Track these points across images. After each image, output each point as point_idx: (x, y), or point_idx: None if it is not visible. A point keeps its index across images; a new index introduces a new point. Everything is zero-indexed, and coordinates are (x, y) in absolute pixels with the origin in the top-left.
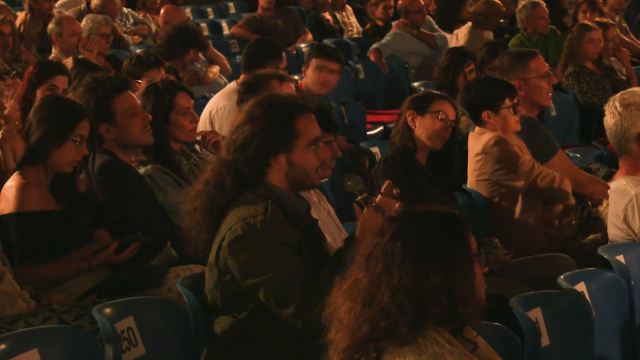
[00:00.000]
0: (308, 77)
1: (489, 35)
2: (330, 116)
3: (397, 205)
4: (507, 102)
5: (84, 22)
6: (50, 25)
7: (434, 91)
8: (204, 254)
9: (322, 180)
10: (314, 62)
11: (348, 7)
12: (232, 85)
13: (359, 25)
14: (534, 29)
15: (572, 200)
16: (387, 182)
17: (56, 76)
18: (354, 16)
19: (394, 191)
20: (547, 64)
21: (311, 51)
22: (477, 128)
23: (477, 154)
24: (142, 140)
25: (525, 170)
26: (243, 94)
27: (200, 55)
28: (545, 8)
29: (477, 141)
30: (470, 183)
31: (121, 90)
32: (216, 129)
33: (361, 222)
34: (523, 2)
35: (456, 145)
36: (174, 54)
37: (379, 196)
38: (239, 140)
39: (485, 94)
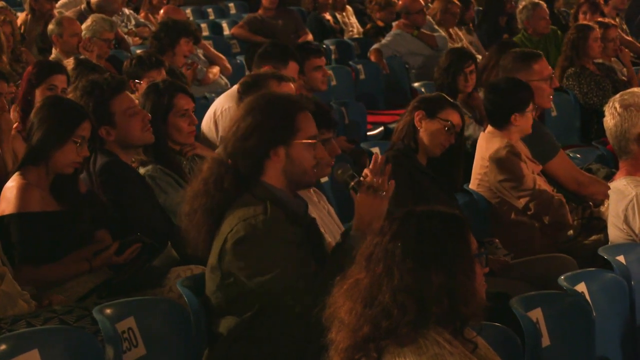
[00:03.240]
0: (311, 79)
1: (457, 32)
2: (328, 114)
3: (387, 181)
4: (531, 105)
5: (89, 22)
6: (51, 26)
7: (445, 96)
8: (204, 255)
9: (322, 180)
10: (313, 62)
11: (348, 7)
12: (237, 86)
13: (359, 26)
14: (535, 29)
15: (569, 222)
16: (373, 159)
17: (55, 75)
18: (354, 16)
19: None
20: (550, 67)
21: (302, 54)
22: (489, 128)
23: (484, 160)
24: (143, 139)
25: (526, 187)
26: (242, 93)
27: (201, 55)
28: (546, 8)
29: (488, 145)
30: (473, 184)
31: (118, 92)
32: (220, 129)
33: (357, 206)
34: (524, 3)
35: (461, 152)
36: (163, 47)
37: (367, 177)
38: (240, 131)
39: (515, 96)
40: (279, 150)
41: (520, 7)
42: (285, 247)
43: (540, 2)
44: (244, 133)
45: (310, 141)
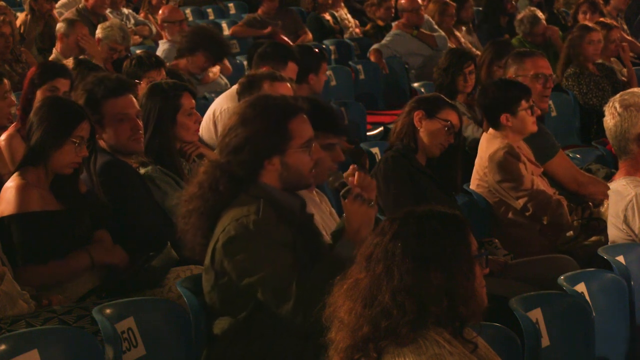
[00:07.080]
0: (316, 82)
1: (457, 34)
2: (336, 118)
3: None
4: (524, 103)
5: (107, 24)
6: (60, 24)
7: (443, 97)
8: (200, 258)
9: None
10: (325, 67)
11: (342, 4)
12: (236, 87)
13: (355, 21)
14: (533, 40)
15: (568, 223)
16: (351, 169)
17: (58, 78)
18: (349, 13)
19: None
20: (546, 67)
21: (319, 56)
22: (490, 130)
23: (484, 160)
24: (128, 147)
25: (524, 188)
26: (239, 94)
27: None
28: (544, 22)
29: (488, 146)
30: (473, 184)
31: (115, 95)
32: (219, 130)
33: (345, 214)
34: (522, 15)
35: (460, 153)
36: (183, 50)
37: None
38: (232, 143)
39: (502, 96)
40: (273, 160)
41: (519, 17)
42: (275, 249)
43: (538, 16)
44: (236, 145)
45: (304, 149)
